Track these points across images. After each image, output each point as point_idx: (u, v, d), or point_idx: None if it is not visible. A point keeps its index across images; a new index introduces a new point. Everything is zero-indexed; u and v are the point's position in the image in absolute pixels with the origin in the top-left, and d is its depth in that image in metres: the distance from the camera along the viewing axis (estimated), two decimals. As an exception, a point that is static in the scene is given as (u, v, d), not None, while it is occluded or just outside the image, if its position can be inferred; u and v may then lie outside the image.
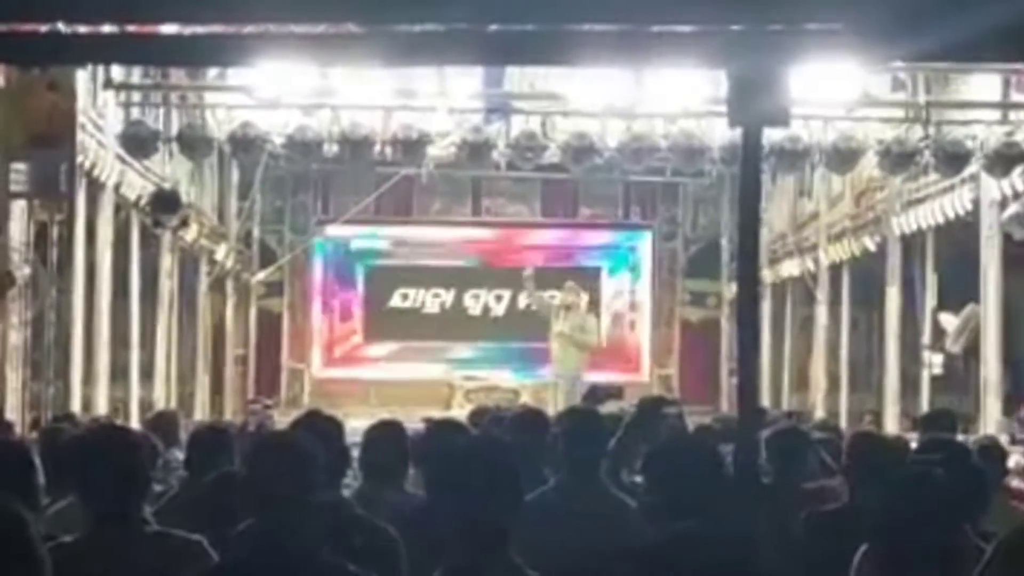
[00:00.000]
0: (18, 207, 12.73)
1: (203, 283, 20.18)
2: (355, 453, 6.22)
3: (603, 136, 16.13)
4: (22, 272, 12.61)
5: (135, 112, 15.83)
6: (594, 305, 23.49)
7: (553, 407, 17.30)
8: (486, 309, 23.71)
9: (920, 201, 16.33)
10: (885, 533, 4.68)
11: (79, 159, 13.24)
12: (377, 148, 16.16)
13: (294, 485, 4.25)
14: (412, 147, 16.02)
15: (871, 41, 6.94)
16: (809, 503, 6.51)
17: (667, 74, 14.71)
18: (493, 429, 7.94)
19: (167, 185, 16.41)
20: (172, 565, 4.58)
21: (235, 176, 21.39)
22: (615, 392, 15.12)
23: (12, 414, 11.69)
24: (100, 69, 14.27)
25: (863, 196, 18.57)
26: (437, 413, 12.90)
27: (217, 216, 20.74)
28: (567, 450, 6.14)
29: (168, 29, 8.16)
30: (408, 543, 5.10)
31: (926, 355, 17.05)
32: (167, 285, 17.78)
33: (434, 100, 16.03)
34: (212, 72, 16.44)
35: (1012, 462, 9.02)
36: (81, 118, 13.18)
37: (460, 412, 14.88)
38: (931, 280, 16.92)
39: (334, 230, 23.48)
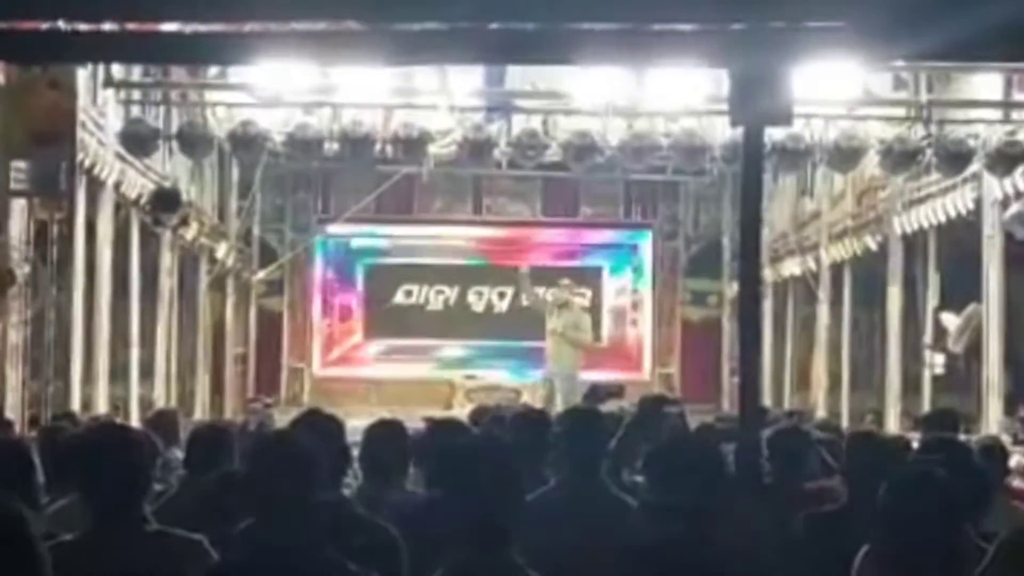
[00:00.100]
0: (18, 205, 12.71)
1: (203, 282, 20.16)
2: (355, 452, 6.22)
3: (604, 135, 16.10)
4: (22, 270, 12.59)
5: (135, 110, 15.82)
6: (596, 304, 23.57)
7: (541, 403, 17.44)
8: (489, 306, 23.71)
9: (922, 200, 16.31)
10: (887, 533, 4.68)
11: (79, 157, 13.23)
12: (378, 146, 16.14)
13: (294, 484, 4.25)
14: (413, 145, 16.00)
15: (873, 40, 6.94)
16: (810, 503, 6.50)
17: (669, 73, 14.69)
18: (494, 429, 7.94)
19: (167, 183, 16.40)
20: (172, 564, 4.58)
21: (235, 174, 21.37)
22: (616, 391, 15.10)
23: (11, 413, 11.68)
24: (100, 67, 14.25)
25: (865, 195, 18.55)
26: (438, 412, 12.90)
27: (217, 214, 20.73)
28: (568, 450, 6.14)
29: (169, 27, 8.15)
30: (409, 542, 5.09)
31: (928, 355, 17.03)
32: (167, 284, 17.76)
33: (435, 98, 16.01)
34: (212, 70, 16.43)
35: (1014, 462, 9.00)
36: (81, 116, 13.16)
37: (461, 411, 14.87)
38: (933, 279, 16.90)
39: (335, 229, 23.46)
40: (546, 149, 16.31)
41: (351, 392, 21.71)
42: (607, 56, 8.37)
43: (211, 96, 16.78)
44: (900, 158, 15.56)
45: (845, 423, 15.95)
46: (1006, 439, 10.44)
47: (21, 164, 12.26)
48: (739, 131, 7.30)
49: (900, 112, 16.41)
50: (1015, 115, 15.27)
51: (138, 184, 15.66)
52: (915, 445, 7.73)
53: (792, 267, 20.57)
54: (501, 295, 23.36)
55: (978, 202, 14.91)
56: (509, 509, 4.20)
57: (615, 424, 7.40)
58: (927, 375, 16.97)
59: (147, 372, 16.94)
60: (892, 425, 16.28)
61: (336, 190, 23.16)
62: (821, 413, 17.35)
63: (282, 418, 12.36)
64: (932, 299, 16.91)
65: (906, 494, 4.65)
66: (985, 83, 15.62)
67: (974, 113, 15.71)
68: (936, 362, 16.99)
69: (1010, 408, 14.59)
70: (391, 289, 23.83)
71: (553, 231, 24.12)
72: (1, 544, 3.51)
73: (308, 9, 7.07)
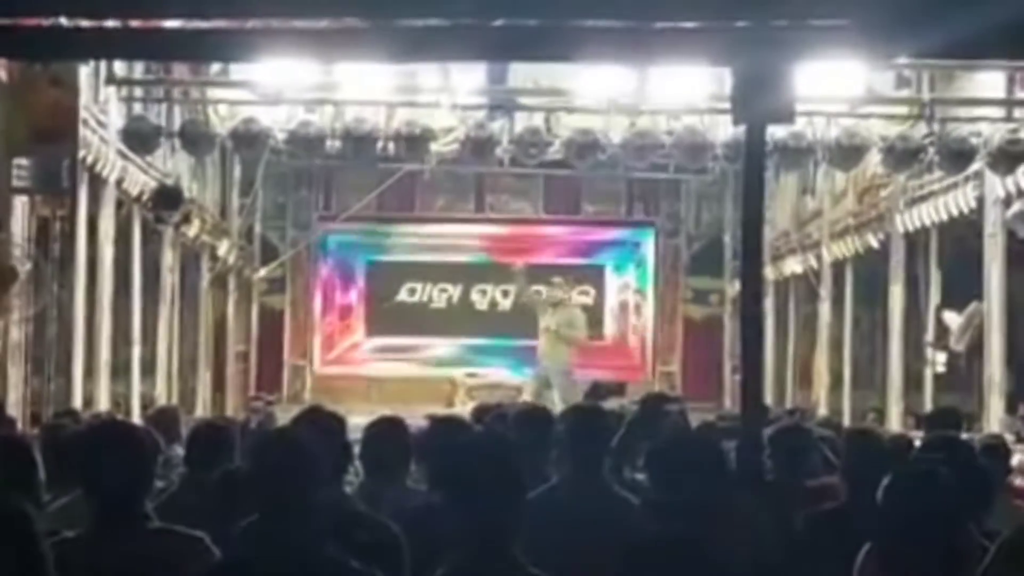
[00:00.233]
0: (20, 203, 12.71)
1: (205, 279, 20.15)
2: (357, 450, 6.21)
3: (607, 132, 16.11)
4: (24, 267, 12.59)
5: (137, 108, 15.82)
6: (598, 301, 23.59)
7: (532, 397, 17.47)
8: (493, 304, 23.71)
9: (924, 198, 16.30)
10: (889, 532, 4.67)
11: (81, 154, 13.23)
12: (380, 144, 16.13)
13: (296, 482, 4.24)
14: (415, 143, 15.99)
15: (875, 38, 6.93)
16: (812, 501, 6.49)
17: (671, 71, 14.69)
18: (496, 426, 7.93)
19: (169, 181, 16.40)
20: (174, 562, 4.57)
21: (237, 172, 21.38)
22: (616, 389, 15.16)
23: (13, 410, 11.67)
24: (102, 64, 14.25)
25: (867, 193, 18.54)
26: (440, 410, 12.89)
27: (219, 212, 20.73)
28: (570, 447, 6.13)
29: (171, 24, 8.15)
30: (411, 539, 5.08)
31: (930, 353, 17.03)
32: (169, 281, 17.76)
33: (437, 96, 16.00)
34: (215, 67, 16.44)
35: (1016, 461, 8.99)
36: (83, 114, 13.16)
37: (463, 409, 14.87)
38: (935, 278, 16.90)
39: (336, 226, 23.46)
40: (548, 147, 16.30)
41: (352, 390, 21.70)
42: (610, 54, 8.36)
43: (213, 93, 16.79)
44: (902, 156, 15.55)
45: (847, 421, 15.94)
46: (1008, 437, 10.42)
47: (23, 161, 12.25)
48: (741, 129, 7.30)
49: (902, 110, 16.40)
50: (1017, 113, 15.27)
51: (140, 181, 15.66)
52: (917, 443, 7.73)
53: (794, 265, 20.56)
54: (504, 293, 23.34)
55: (980, 200, 14.90)
56: (511, 507, 4.20)
57: (617, 422, 7.40)
58: (929, 373, 16.97)
59: (149, 369, 16.94)
60: (894, 423, 16.27)
61: (338, 188, 23.17)
62: (823, 411, 17.34)
63: (284, 416, 12.36)
64: (934, 297, 16.92)
65: (909, 493, 4.64)
66: (988, 81, 15.61)
67: (976, 111, 15.70)
68: (938, 360, 16.99)
69: (1012, 406, 14.58)
70: (393, 287, 23.83)
71: (555, 229, 24.11)
72: (4, 541, 3.51)
73: (310, 6, 7.06)
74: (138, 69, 15.61)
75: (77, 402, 13.48)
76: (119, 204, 15.33)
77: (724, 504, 5.07)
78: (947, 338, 16.56)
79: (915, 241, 17.19)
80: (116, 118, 15.03)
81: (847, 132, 15.76)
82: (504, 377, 21.77)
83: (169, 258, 17.75)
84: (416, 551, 4.98)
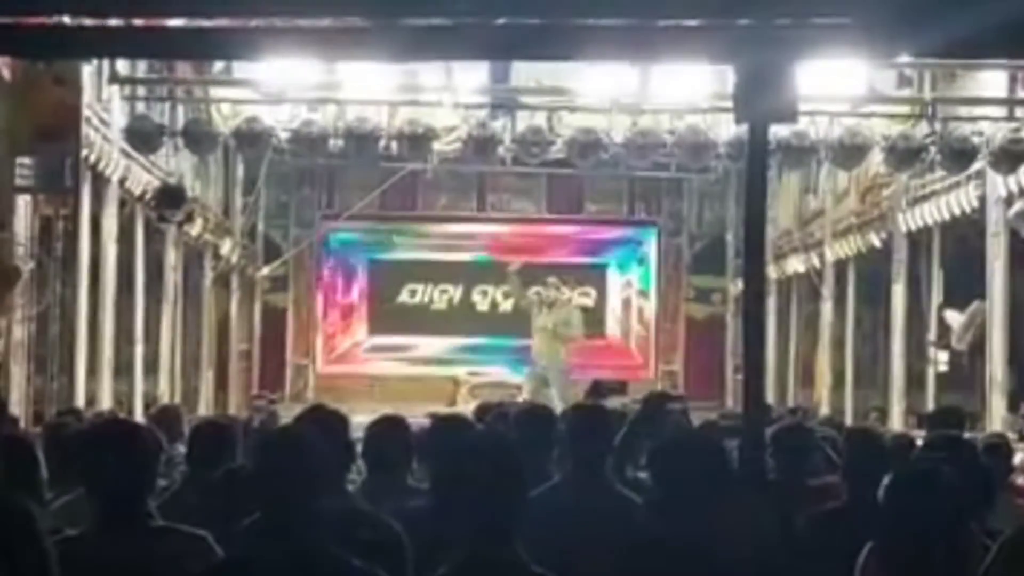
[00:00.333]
0: (23, 201, 12.72)
1: (207, 278, 20.17)
2: (359, 448, 6.21)
3: (609, 132, 16.12)
4: (27, 266, 12.60)
5: (140, 106, 15.83)
6: (600, 300, 23.59)
7: (528, 395, 17.49)
8: (494, 304, 23.71)
9: (926, 198, 16.31)
10: (891, 531, 4.67)
11: (84, 153, 13.24)
12: (382, 143, 16.14)
13: (299, 480, 4.24)
14: (417, 142, 16.01)
15: (878, 37, 6.93)
16: (814, 500, 6.50)
17: (673, 69, 14.69)
18: (498, 425, 7.93)
19: (172, 180, 16.41)
20: (177, 560, 4.57)
21: (240, 171, 21.39)
22: (618, 388, 15.12)
23: (16, 408, 11.68)
24: (105, 63, 14.26)
25: (869, 192, 18.54)
26: (442, 409, 12.89)
27: (222, 211, 20.74)
28: (572, 446, 6.13)
29: (174, 23, 8.15)
30: (413, 538, 5.09)
31: (932, 352, 17.04)
32: (171, 280, 17.76)
33: (440, 95, 16.01)
34: (217, 66, 16.45)
35: (1018, 460, 9.00)
36: (86, 112, 13.17)
37: (465, 408, 14.87)
38: (937, 277, 16.90)
39: (339, 225, 23.47)
40: (551, 146, 16.31)
41: (355, 388, 21.72)
42: (612, 52, 8.37)
43: (216, 92, 16.79)
44: (904, 155, 15.56)
45: (849, 420, 15.95)
46: (1010, 436, 10.42)
47: (26, 160, 12.26)
48: (744, 128, 7.30)
49: (904, 109, 16.41)
50: (1019, 112, 15.27)
51: (143, 180, 15.67)
52: (919, 443, 7.73)
53: (796, 264, 20.57)
54: (506, 295, 23.38)
55: (982, 199, 14.91)
56: (513, 505, 4.20)
57: (619, 421, 7.40)
58: (931, 372, 16.97)
59: (151, 368, 16.95)
60: (896, 423, 16.28)
61: (340, 186, 23.19)
62: (825, 410, 17.35)
63: (286, 414, 12.36)
64: (936, 296, 16.92)
65: (911, 492, 4.64)
66: (990, 80, 15.61)
67: (978, 110, 15.71)
68: (940, 359, 17.00)
69: (1014, 405, 14.58)
70: (395, 286, 23.84)
71: (557, 228, 24.11)
72: (7, 540, 3.51)
73: (313, 5, 7.07)
74: (141, 68, 15.62)
75: (80, 401, 13.48)
76: (122, 203, 15.34)
77: (726, 503, 5.07)
78: (949, 337, 16.56)
79: (917, 240, 17.19)
80: (119, 117, 15.04)
81: (849, 131, 15.77)
82: (506, 376, 21.77)
83: (172, 257, 17.76)
84: (418, 550, 4.98)
